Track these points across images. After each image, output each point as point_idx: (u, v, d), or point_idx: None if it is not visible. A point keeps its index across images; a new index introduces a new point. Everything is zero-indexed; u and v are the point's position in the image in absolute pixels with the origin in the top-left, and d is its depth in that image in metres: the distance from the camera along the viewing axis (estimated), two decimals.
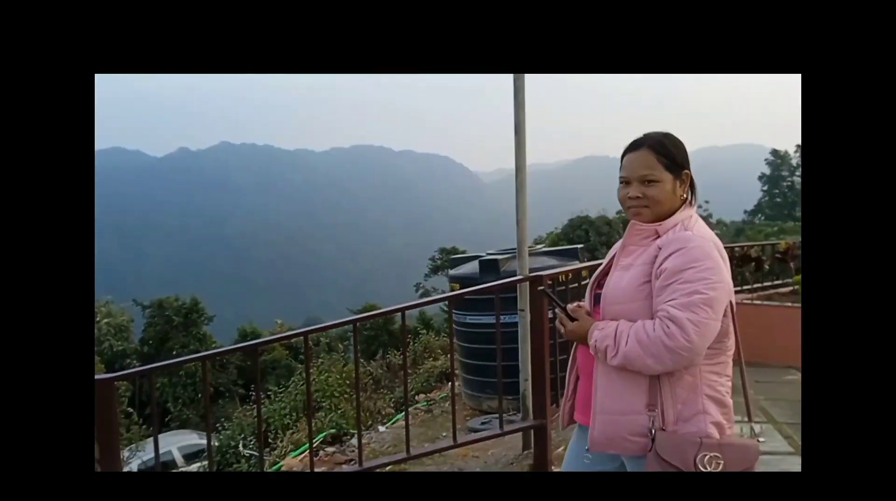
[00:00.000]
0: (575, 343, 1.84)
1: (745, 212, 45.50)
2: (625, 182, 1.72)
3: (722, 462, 1.54)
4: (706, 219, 16.10)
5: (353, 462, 4.49)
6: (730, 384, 1.68)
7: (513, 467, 3.55)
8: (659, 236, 1.67)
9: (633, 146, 1.72)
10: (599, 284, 1.80)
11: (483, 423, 5.03)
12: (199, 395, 16.60)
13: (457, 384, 5.74)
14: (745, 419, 1.72)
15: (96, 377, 3.24)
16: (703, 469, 1.53)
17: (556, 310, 1.81)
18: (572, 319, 1.77)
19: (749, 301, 6.45)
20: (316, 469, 3.51)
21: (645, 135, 1.72)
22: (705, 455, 1.54)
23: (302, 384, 8.49)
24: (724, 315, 1.62)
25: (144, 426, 14.43)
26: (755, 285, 7.34)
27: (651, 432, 1.59)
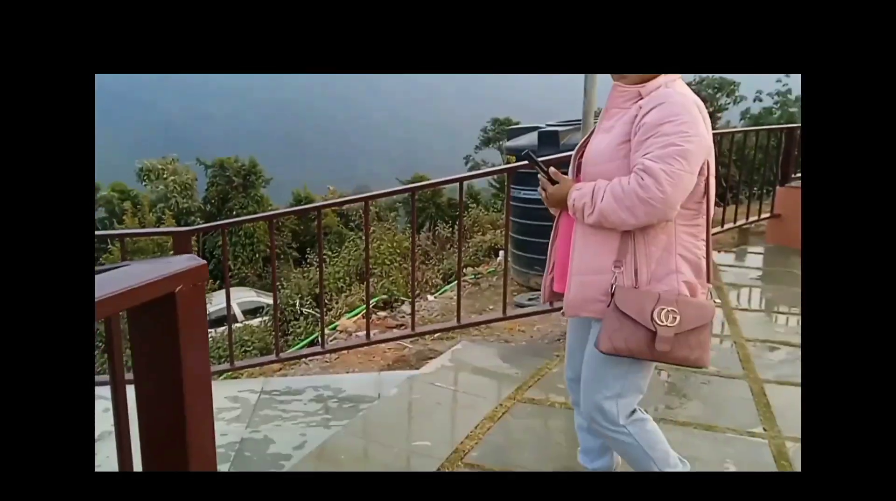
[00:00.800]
0: (557, 216, 1.84)
1: None
2: None
3: (679, 316, 1.57)
4: (784, 94, 14.85)
5: (404, 327, 4.72)
6: (706, 248, 1.68)
7: (559, 343, 3.65)
8: (641, 98, 1.63)
9: None
10: (583, 153, 1.78)
11: (530, 299, 5.13)
12: (256, 255, 17.51)
13: None
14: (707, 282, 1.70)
15: (176, 230, 3.63)
16: (659, 323, 1.57)
17: (539, 175, 1.79)
18: (554, 183, 1.75)
19: None
20: (372, 331, 3.73)
21: None
22: (662, 309, 1.57)
23: (354, 250, 8.81)
24: (701, 173, 1.60)
25: (210, 280, 15.51)
26: None
27: (612, 287, 1.62)
